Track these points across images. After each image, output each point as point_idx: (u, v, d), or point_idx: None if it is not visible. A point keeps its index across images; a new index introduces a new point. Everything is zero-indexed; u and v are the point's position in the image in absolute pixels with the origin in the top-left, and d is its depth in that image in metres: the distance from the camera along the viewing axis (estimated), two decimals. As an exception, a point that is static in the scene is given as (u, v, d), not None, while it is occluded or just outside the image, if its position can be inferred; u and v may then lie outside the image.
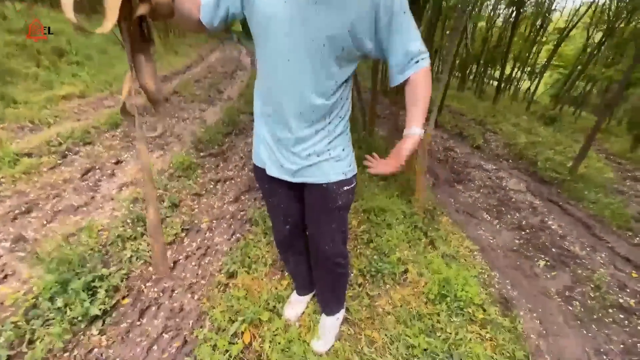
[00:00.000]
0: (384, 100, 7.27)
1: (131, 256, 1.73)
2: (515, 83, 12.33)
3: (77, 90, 4.20)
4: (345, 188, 1.02)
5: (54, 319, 1.32)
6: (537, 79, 11.59)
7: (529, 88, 12.53)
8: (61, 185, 2.34)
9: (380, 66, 6.02)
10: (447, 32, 8.29)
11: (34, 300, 1.41)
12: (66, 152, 2.77)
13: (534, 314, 1.89)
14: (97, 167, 2.65)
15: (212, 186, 2.64)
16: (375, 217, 2.31)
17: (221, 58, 10.65)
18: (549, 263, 2.43)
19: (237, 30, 18.71)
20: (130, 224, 1.98)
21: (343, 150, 1.00)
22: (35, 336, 1.28)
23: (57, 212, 2.08)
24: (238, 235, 2.07)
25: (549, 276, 2.29)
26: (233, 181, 2.78)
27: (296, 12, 0.76)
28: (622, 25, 7.63)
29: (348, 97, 0.96)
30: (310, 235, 1.18)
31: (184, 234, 2.03)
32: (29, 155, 2.60)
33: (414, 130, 0.87)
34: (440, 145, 4.94)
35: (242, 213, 2.33)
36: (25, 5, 6.52)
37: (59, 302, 1.36)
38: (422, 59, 0.85)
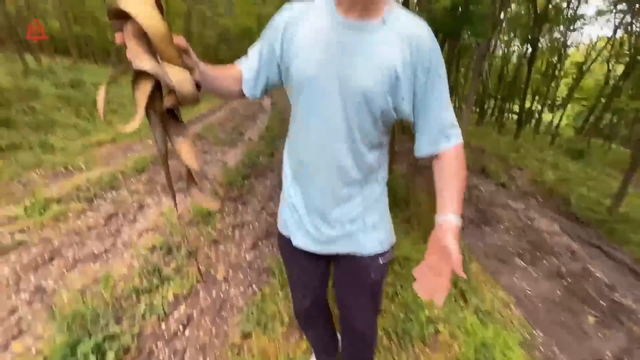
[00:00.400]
0: (402, 136, 7.29)
1: (144, 312, 1.67)
2: (536, 116, 12.16)
3: (110, 137, 4.48)
4: (380, 261, 0.90)
5: (60, 386, 1.26)
6: (560, 111, 11.41)
7: (551, 121, 12.30)
8: (85, 232, 2.39)
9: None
10: (462, 69, 8.45)
11: (43, 364, 1.36)
12: (93, 198, 2.87)
13: (590, 385, 1.64)
14: (120, 213, 2.70)
15: (229, 232, 2.61)
16: (399, 267, 2.17)
17: (243, 102, 11.24)
18: (599, 319, 2.16)
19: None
20: (147, 275, 1.94)
21: (379, 217, 0.89)
22: (39, 406, 1.21)
23: (77, 261, 2.09)
24: (254, 287, 1.99)
25: (601, 335, 2.02)
26: (251, 226, 2.74)
27: (332, 70, 0.72)
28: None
29: (386, 159, 0.89)
30: (339, 308, 1.05)
31: (199, 285, 1.97)
32: (59, 201, 2.70)
33: (451, 217, 0.71)
34: (462, 183, 4.78)
35: (259, 261, 2.26)
36: (71, 62, 7.28)
37: (68, 367, 1.30)
38: (455, 134, 0.77)
